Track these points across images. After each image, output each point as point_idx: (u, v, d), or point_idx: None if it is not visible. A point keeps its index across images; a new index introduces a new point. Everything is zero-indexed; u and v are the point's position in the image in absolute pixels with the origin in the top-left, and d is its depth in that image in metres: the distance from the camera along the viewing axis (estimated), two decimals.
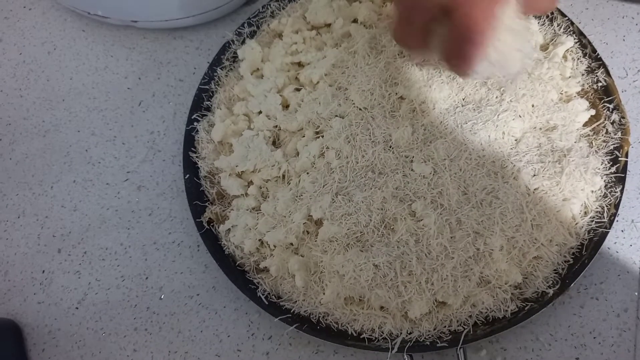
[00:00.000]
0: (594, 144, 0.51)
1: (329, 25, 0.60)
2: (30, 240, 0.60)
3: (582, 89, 0.54)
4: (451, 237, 0.48)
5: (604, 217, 0.49)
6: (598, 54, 0.55)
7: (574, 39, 0.56)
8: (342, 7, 0.60)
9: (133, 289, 0.56)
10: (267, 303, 0.50)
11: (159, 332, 0.54)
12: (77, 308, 0.56)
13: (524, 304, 0.47)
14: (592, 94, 0.53)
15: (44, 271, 0.58)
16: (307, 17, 0.60)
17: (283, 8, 0.63)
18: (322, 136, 0.53)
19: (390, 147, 0.52)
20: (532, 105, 0.52)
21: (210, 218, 0.54)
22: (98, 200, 0.60)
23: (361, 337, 0.48)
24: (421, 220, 0.49)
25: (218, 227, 0.54)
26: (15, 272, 0.58)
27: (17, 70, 0.69)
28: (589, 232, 0.49)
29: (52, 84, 0.68)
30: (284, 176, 0.53)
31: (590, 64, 0.55)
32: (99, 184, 0.61)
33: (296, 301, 0.50)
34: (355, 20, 0.59)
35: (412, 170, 0.51)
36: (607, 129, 0.52)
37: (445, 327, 0.47)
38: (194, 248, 0.57)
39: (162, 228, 0.58)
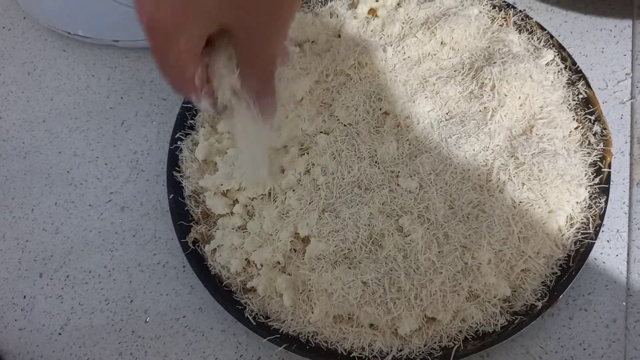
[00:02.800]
0: (577, 155, 0.52)
1: (312, 42, 0.60)
2: (10, 264, 0.58)
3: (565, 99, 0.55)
4: (439, 252, 0.48)
5: (589, 228, 0.49)
6: (578, 67, 0.55)
7: (554, 52, 0.56)
8: (326, 23, 0.60)
9: (117, 313, 0.55)
10: (255, 323, 0.49)
11: (145, 356, 0.52)
12: (59, 334, 0.55)
13: (514, 318, 0.47)
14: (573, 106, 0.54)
15: (25, 296, 0.57)
16: (290, 33, 0.60)
17: None
18: (308, 153, 0.53)
19: (375, 162, 0.52)
20: (515, 119, 0.53)
21: (195, 238, 0.53)
22: (80, 222, 0.59)
23: (351, 355, 0.47)
24: (408, 235, 0.49)
25: (204, 247, 0.53)
26: None
27: None
28: (575, 243, 0.49)
29: (32, 104, 0.67)
30: (269, 194, 0.53)
31: (571, 77, 0.55)
32: (81, 205, 0.60)
33: (284, 321, 0.49)
34: (338, 36, 0.60)
35: (398, 185, 0.51)
36: (589, 140, 0.53)
37: (435, 343, 0.47)
38: (179, 269, 0.56)
39: (147, 249, 0.57)
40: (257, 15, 0.31)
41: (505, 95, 0.52)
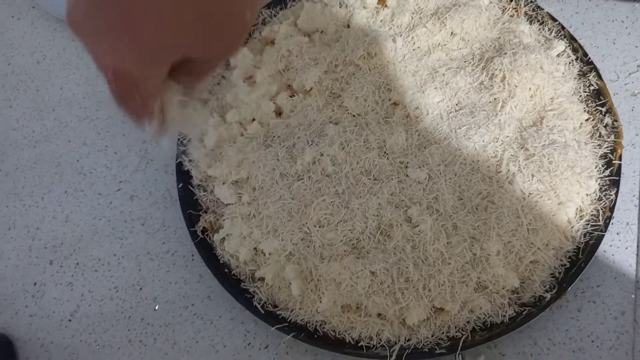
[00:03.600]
0: (587, 147, 0.51)
1: (321, 32, 0.60)
2: (21, 252, 0.59)
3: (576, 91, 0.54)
4: (447, 243, 0.48)
5: (599, 220, 0.49)
6: (589, 58, 0.55)
7: (565, 43, 0.56)
8: (335, 14, 0.60)
9: (127, 300, 0.55)
10: (263, 312, 0.49)
11: (154, 343, 0.53)
12: (69, 320, 0.55)
13: (522, 309, 0.47)
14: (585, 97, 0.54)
15: (35, 283, 0.57)
16: (299, 24, 0.60)
17: (275, 15, 0.63)
18: (317, 143, 0.53)
19: (384, 153, 0.52)
20: (526, 110, 0.53)
21: (204, 227, 0.53)
22: (90, 210, 0.60)
23: (359, 345, 0.47)
24: (417, 226, 0.49)
25: (212, 236, 0.53)
26: (6, 285, 0.57)
27: (6, 80, 0.68)
28: (584, 235, 0.49)
29: (41, 94, 0.67)
30: (278, 183, 0.53)
31: (582, 68, 0.55)
32: (90, 194, 0.61)
33: (293, 310, 0.49)
34: (348, 26, 0.59)
35: (407, 176, 0.51)
36: (600, 132, 0.52)
37: (443, 333, 0.47)
38: (188, 258, 0.56)
39: (156, 238, 0.57)
40: (219, 45, 0.32)
41: (516, 87, 0.52)
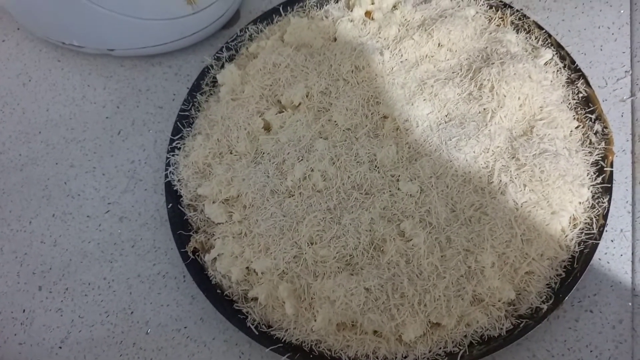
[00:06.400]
0: (578, 155, 0.51)
1: (309, 46, 0.60)
2: (9, 278, 0.58)
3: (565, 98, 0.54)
4: (442, 256, 0.47)
5: (593, 228, 0.48)
6: (577, 65, 0.55)
7: (553, 51, 0.56)
8: (321, 27, 0.59)
9: (118, 325, 0.54)
10: (257, 333, 0.48)
11: None
12: (60, 347, 0.54)
13: (519, 321, 0.46)
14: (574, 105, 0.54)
15: (24, 310, 0.56)
16: (286, 38, 0.60)
17: (261, 31, 0.63)
18: (307, 159, 0.53)
19: (375, 166, 0.52)
20: (515, 120, 0.52)
21: (195, 247, 0.53)
22: (79, 233, 0.59)
23: None
24: (410, 240, 0.48)
25: (204, 257, 0.52)
26: None
27: None
28: (579, 244, 0.48)
29: (28, 116, 0.66)
30: (269, 200, 0.52)
31: (570, 75, 0.55)
32: (79, 217, 0.60)
33: (287, 329, 0.49)
34: (335, 40, 0.59)
35: (398, 189, 0.50)
36: (590, 140, 0.52)
37: (440, 348, 0.46)
38: (179, 279, 0.55)
39: (146, 260, 0.56)
40: None
41: (505, 96, 0.52)
